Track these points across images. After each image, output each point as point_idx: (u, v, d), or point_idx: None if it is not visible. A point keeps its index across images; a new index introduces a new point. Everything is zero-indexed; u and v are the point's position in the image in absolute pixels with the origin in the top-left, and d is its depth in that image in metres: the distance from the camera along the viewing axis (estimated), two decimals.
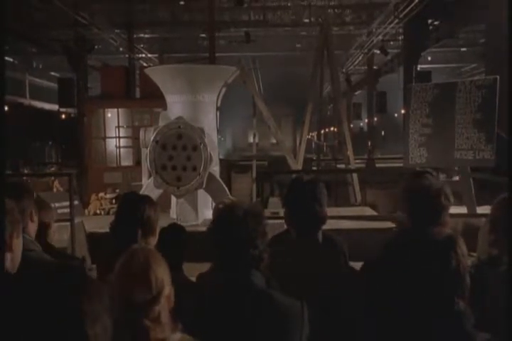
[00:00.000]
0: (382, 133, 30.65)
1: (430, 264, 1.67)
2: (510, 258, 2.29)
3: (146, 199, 2.81)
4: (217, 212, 3.11)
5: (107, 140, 11.92)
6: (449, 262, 1.66)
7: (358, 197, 9.93)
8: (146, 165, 7.65)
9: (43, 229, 3.08)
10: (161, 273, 1.78)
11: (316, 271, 2.29)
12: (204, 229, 2.06)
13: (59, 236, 5.90)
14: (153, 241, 2.71)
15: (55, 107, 21.85)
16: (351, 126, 20.39)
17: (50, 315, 1.14)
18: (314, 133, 13.99)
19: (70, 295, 1.19)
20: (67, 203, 7.14)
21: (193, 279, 2.99)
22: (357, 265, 2.56)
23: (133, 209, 2.64)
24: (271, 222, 2.21)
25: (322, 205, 2.45)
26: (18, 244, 2.08)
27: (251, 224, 1.96)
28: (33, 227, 2.52)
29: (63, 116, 23.49)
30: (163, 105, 8.39)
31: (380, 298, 1.92)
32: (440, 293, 1.67)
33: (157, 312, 1.71)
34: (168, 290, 1.77)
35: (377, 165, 16.96)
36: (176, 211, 7.87)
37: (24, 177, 11.22)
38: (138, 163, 10.18)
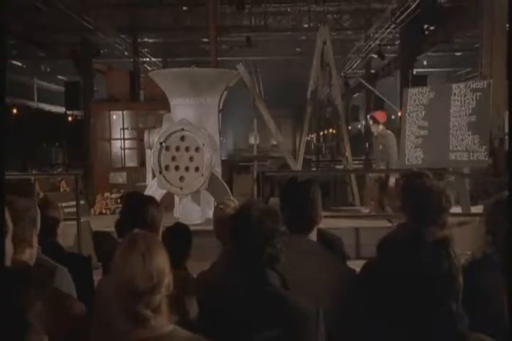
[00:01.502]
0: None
1: (423, 265, 1.65)
2: (505, 257, 2.28)
3: (150, 199, 2.81)
4: (217, 211, 3.11)
5: (112, 141, 11.92)
6: (441, 263, 1.64)
7: (356, 197, 9.92)
8: (150, 165, 7.65)
9: (51, 228, 3.08)
10: (162, 261, 1.73)
11: (311, 271, 2.27)
12: (206, 228, 2.06)
13: (65, 234, 5.90)
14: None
15: (62, 110, 21.86)
16: (349, 128, 20.38)
17: None
18: (313, 135, 13.99)
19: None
20: (73, 203, 7.14)
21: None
22: (355, 263, 2.55)
23: (137, 208, 2.64)
24: None
25: (316, 205, 2.44)
26: (36, 241, 2.11)
27: (269, 224, 1.94)
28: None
29: (70, 118, 23.50)
30: (167, 108, 8.40)
31: (375, 297, 1.90)
32: (433, 295, 1.65)
33: (158, 302, 1.67)
34: (168, 279, 1.73)
35: (374, 165, 16.93)
36: (180, 210, 7.87)
37: (32, 178, 11.21)
38: (142, 163, 10.18)
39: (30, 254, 2.06)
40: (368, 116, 9.42)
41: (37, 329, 1.20)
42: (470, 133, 7.03)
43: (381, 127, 8.86)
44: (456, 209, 7.35)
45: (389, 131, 9.09)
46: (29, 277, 1.30)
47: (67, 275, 2.35)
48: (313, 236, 2.45)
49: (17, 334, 1.17)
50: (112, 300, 1.71)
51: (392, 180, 8.59)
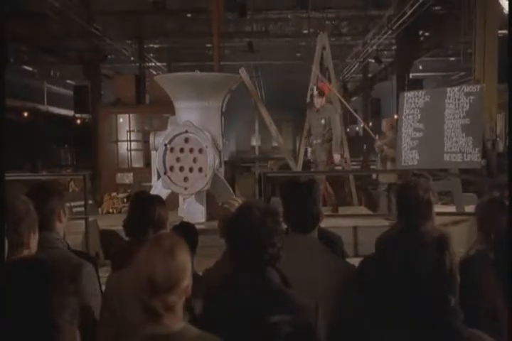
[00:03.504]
0: (377, 137, 30.56)
1: (422, 263, 1.65)
2: (498, 253, 2.29)
3: (157, 198, 2.80)
4: (222, 210, 3.11)
5: (119, 143, 11.94)
6: (441, 261, 1.63)
7: (354, 197, 9.91)
8: (155, 166, 7.66)
9: None
10: (183, 263, 1.70)
11: (314, 268, 2.27)
12: (210, 226, 2.05)
13: (73, 233, 5.91)
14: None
15: (70, 113, 21.86)
16: (348, 130, 20.37)
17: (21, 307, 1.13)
18: None
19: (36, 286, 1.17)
20: (81, 202, 7.15)
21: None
22: (353, 261, 2.55)
23: (144, 208, 2.63)
24: None
25: (318, 204, 2.44)
26: (34, 241, 2.11)
27: (269, 224, 1.92)
28: (61, 227, 2.51)
29: (78, 121, 23.51)
30: (172, 111, 8.40)
31: (374, 295, 1.90)
32: (432, 292, 1.64)
33: (172, 302, 1.65)
34: (186, 282, 1.70)
35: (371, 166, 16.92)
36: (184, 210, 7.88)
37: (42, 178, 11.23)
38: (148, 164, 10.18)
39: (29, 254, 2.07)
40: (314, 87, 8.70)
41: (66, 324, 1.17)
42: (464, 135, 7.02)
43: (324, 100, 8.48)
44: (450, 209, 7.36)
45: (331, 105, 8.81)
46: (60, 271, 1.26)
47: (93, 270, 2.35)
48: (315, 234, 2.45)
49: (47, 329, 1.15)
50: (129, 293, 1.70)
51: (336, 157, 8.43)
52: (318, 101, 8.50)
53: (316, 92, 8.53)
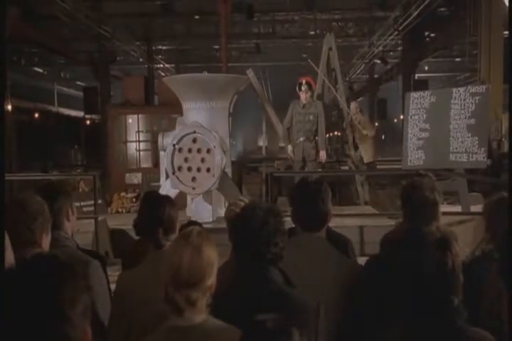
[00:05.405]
0: (383, 137, 30.48)
1: (426, 263, 1.64)
2: (504, 254, 2.27)
3: (167, 198, 2.80)
4: (229, 212, 3.10)
5: (128, 144, 11.96)
6: (445, 262, 1.63)
7: (361, 197, 9.89)
8: (163, 166, 7.67)
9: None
10: (209, 261, 1.70)
11: (322, 267, 2.26)
12: (217, 226, 2.05)
13: (79, 232, 5.93)
14: (174, 238, 2.70)
15: (80, 114, 21.96)
16: None
17: (31, 301, 1.12)
18: None
19: (46, 281, 1.15)
20: (91, 202, 7.17)
21: None
22: (359, 260, 2.55)
23: (154, 207, 2.63)
24: None
25: (326, 203, 2.43)
26: (46, 241, 2.12)
27: (272, 223, 1.92)
28: (69, 225, 2.51)
29: (88, 122, 23.60)
30: (180, 111, 8.41)
31: (378, 294, 1.89)
32: (435, 292, 1.64)
33: (195, 298, 1.66)
34: (211, 280, 1.70)
35: (378, 166, 16.86)
36: (192, 209, 7.89)
37: (52, 178, 11.27)
38: (156, 164, 10.20)
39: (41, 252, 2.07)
40: (303, 81, 8.44)
41: (78, 318, 1.16)
42: (469, 135, 6.99)
43: (309, 96, 8.33)
44: (456, 209, 7.32)
45: (318, 101, 8.73)
46: (71, 267, 1.26)
47: (100, 268, 2.36)
48: (323, 233, 2.44)
49: (57, 326, 1.14)
50: (153, 285, 1.71)
51: (322, 154, 8.33)
52: (306, 96, 8.37)
53: (304, 87, 8.37)
